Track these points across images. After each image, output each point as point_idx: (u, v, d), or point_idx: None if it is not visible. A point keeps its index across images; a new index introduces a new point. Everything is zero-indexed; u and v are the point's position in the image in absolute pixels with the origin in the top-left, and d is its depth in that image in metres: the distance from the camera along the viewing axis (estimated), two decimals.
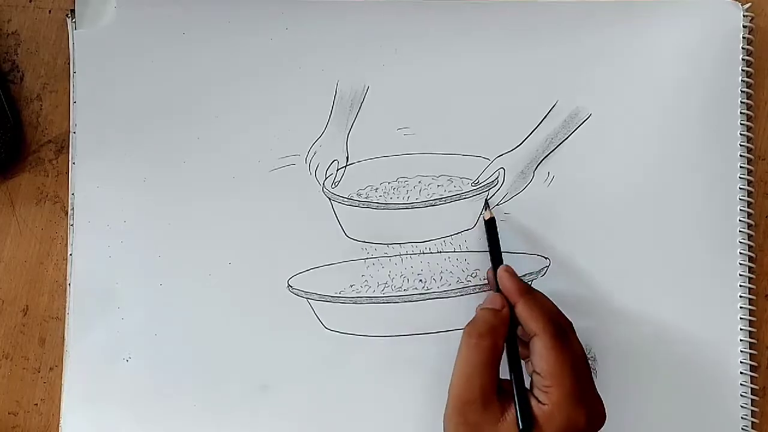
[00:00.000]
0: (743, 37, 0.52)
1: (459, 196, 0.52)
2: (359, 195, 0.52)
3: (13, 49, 0.54)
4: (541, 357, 0.43)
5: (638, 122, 0.52)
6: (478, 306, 0.48)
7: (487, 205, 0.52)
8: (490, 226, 0.50)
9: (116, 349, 0.51)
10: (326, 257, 0.52)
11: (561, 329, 0.45)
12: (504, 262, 0.49)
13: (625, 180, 0.52)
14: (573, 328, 0.46)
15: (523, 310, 0.45)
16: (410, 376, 0.51)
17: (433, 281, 0.52)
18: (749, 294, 0.51)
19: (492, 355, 0.44)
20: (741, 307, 0.51)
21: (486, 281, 0.51)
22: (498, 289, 0.48)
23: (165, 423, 0.51)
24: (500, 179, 0.52)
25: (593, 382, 0.45)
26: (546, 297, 0.47)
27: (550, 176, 0.52)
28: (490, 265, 0.50)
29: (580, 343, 0.45)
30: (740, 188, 0.52)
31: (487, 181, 0.52)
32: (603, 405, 0.44)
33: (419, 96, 0.53)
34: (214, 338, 0.52)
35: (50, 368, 0.52)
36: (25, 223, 0.53)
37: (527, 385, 0.45)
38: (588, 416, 0.43)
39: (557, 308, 0.46)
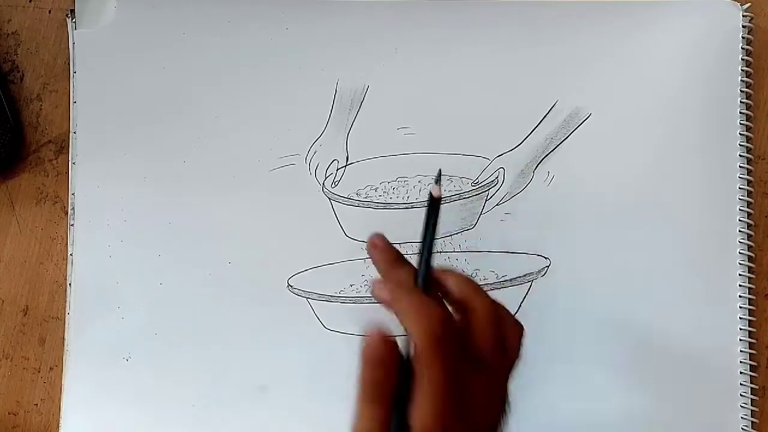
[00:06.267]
0: (742, 37, 0.52)
1: (459, 196, 0.52)
2: (359, 195, 0.52)
3: (13, 49, 0.54)
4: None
5: (638, 122, 0.52)
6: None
7: (439, 179, 0.42)
8: (433, 207, 0.41)
9: (116, 349, 0.51)
10: (326, 257, 0.52)
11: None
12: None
13: (625, 180, 0.52)
14: None
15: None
16: None
17: None
18: (749, 294, 0.51)
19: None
20: (741, 307, 0.51)
21: (486, 280, 0.51)
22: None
23: (165, 423, 0.51)
24: (500, 179, 0.52)
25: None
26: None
27: (550, 176, 0.52)
28: (491, 265, 0.50)
29: None
30: (740, 188, 0.52)
31: (487, 181, 0.52)
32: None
33: (419, 96, 0.53)
34: (213, 338, 0.51)
35: (50, 368, 0.52)
36: (25, 223, 0.53)
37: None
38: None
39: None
